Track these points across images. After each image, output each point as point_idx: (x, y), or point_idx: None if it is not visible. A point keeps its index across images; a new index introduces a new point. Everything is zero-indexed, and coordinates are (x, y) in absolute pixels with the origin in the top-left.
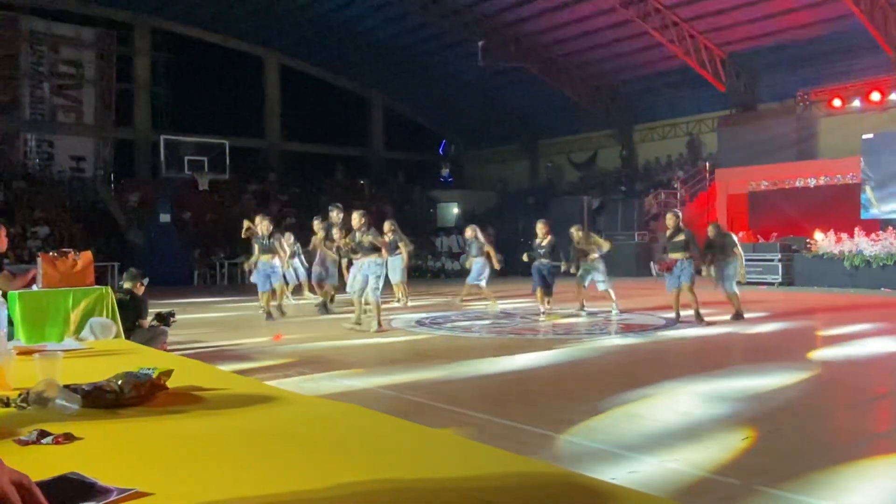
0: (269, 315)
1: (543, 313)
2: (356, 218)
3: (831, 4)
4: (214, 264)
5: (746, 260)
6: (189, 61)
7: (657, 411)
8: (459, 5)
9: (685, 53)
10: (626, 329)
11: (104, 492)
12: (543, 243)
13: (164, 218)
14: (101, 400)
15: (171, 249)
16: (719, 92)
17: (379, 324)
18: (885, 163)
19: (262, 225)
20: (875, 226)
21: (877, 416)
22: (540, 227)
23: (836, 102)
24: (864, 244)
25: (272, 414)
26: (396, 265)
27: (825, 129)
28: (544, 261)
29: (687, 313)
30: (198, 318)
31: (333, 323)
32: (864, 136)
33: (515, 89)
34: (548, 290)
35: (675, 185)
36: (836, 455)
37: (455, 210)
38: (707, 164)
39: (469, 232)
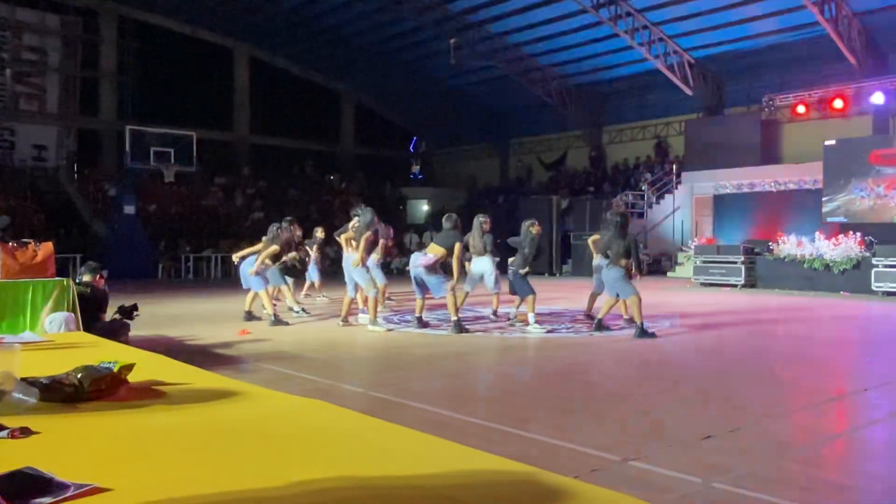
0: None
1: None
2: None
3: (797, 13)
4: (180, 257)
5: (710, 262)
6: (157, 51)
7: (620, 410)
8: (432, 2)
9: (654, 57)
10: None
11: (61, 487)
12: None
13: (129, 210)
14: (59, 394)
15: (136, 242)
16: (687, 96)
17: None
18: (844, 168)
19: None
20: (835, 230)
21: (834, 417)
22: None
23: (800, 109)
24: (825, 248)
25: (235, 409)
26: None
27: (789, 134)
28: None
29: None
30: (162, 311)
31: (298, 320)
32: (826, 143)
33: (486, 88)
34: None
35: (643, 187)
36: (795, 454)
37: (425, 207)
38: (674, 166)
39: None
